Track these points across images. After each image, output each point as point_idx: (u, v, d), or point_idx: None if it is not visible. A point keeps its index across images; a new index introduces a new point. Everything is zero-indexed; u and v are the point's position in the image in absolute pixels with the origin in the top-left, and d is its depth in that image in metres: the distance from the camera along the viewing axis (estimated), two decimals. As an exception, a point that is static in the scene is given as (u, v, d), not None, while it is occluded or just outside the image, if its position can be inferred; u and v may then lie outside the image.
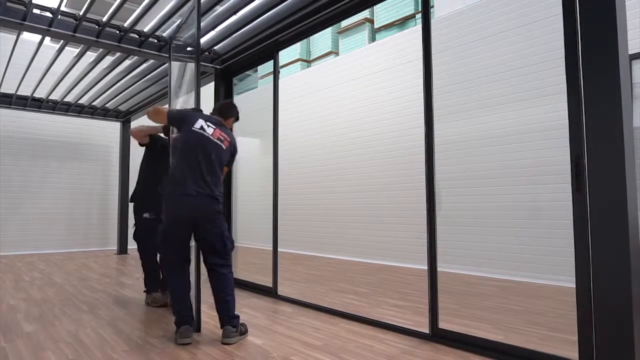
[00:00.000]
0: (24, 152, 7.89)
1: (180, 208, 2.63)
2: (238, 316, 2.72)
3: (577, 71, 2.04)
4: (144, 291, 3.82)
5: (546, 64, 4.63)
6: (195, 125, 2.74)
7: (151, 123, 3.27)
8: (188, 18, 3.42)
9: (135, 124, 8.30)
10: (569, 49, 2.09)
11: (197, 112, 2.92)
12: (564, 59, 2.10)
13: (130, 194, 4.74)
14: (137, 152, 8.73)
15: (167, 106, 3.07)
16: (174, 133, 3.28)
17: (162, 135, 3.82)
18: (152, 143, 3.80)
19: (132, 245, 8.29)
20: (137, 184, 3.84)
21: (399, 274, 5.43)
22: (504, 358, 2.28)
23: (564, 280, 4.27)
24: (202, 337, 2.74)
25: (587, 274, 1.97)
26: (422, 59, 2.85)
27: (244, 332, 2.74)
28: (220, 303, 2.69)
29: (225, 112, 3.03)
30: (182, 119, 2.82)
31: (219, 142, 2.77)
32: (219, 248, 2.70)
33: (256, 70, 9.91)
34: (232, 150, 2.92)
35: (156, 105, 3.03)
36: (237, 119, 3.14)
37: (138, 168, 3.94)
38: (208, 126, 2.77)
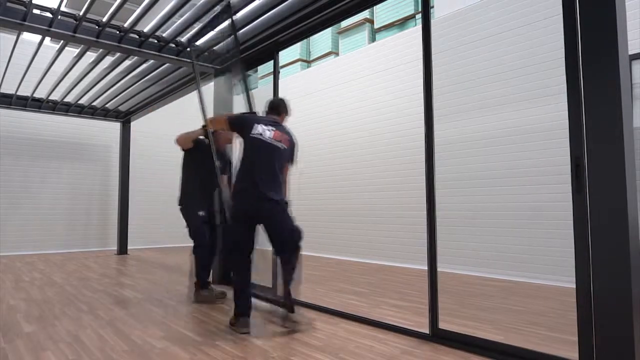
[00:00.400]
0: (24, 152, 7.89)
1: (244, 210, 2.87)
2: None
3: (577, 71, 2.04)
4: (197, 288, 3.86)
5: (546, 64, 4.63)
6: (253, 132, 2.87)
7: (186, 130, 3.68)
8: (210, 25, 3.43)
9: (135, 124, 8.31)
10: (569, 49, 2.09)
11: (253, 115, 3.07)
12: (564, 59, 2.10)
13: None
14: (137, 152, 8.75)
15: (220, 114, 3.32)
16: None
17: (202, 137, 4.01)
18: (194, 147, 4.02)
19: (132, 245, 8.31)
20: (183, 186, 4.08)
21: (398, 274, 5.42)
22: (504, 358, 2.28)
23: (564, 281, 4.27)
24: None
25: (587, 274, 1.97)
26: (422, 59, 2.86)
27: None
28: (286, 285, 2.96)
29: (280, 109, 3.13)
30: (242, 125, 2.96)
31: (279, 143, 2.92)
32: (288, 238, 2.91)
33: (256, 70, 9.91)
34: (292, 146, 3.05)
35: (214, 116, 3.31)
36: (288, 113, 3.24)
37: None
38: (268, 130, 2.90)
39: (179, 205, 4.00)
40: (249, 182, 2.83)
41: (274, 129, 2.94)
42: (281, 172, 2.94)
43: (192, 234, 3.87)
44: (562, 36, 2.12)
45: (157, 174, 9.36)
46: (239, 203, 2.88)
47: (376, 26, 7.23)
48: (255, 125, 2.90)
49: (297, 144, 3.13)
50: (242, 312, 2.86)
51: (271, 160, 2.87)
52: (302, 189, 7.86)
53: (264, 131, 2.89)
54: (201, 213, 3.89)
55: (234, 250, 2.92)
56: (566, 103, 2.10)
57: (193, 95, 6.89)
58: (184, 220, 3.95)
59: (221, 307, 3.60)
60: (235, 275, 2.93)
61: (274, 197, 2.84)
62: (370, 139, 6.70)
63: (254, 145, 2.86)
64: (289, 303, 2.95)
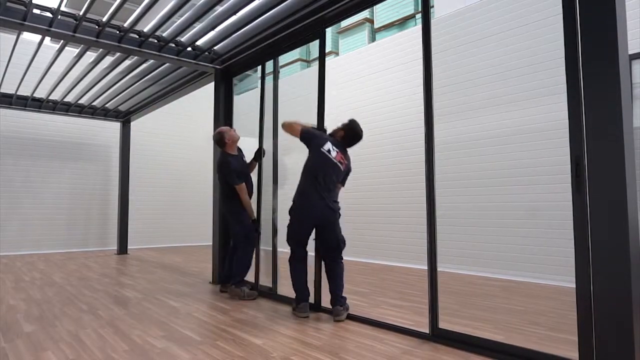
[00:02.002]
0: (24, 152, 7.89)
1: (306, 214, 3.27)
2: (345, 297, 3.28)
3: (577, 71, 2.04)
4: (235, 285, 3.97)
5: (545, 64, 4.63)
6: (324, 147, 3.26)
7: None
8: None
9: (135, 124, 8.31)
10: (569, 49, 2.09)
11: (322, 133, 3.42)
12: (564, 58, 2.10)
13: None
14: (137, 152, 8.75)
15: (299, 121, 3.48)
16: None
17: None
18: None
19: (132, 245, 8.32)
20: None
21: (399, 274, 5.43)
22: (504, 358, 2.28)
23: (564, 280, 4.28)
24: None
25: (587, 274, 1.97)
26: (422, 59, 2.86)
27: (348, 308, 3.27)
28: (334, 285, 3.27)
29: (352, 142, 3.43)
30: (312, 139, 3.33)
31: (339, 164, 3.30)
32: (335, 245, 3.32)
33: (256, 70, 9.91)
34: (347, 170, 3.44)
35: (291, 121, 3.49)
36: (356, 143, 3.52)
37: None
38: (334, 149, 3.28)
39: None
40: (315, 191, 3.22)
41: (338, 150, 3.31)
42: (335, 186, 3.34)
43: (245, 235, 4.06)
44: (562, 36, 2.12)
45: (157, 174, 9.36)
46: (307, 208, 3.25)
47: (376, 26, 7.23)
48: (327, 142, 3.28)
49: (351, 171, 3.51)
50: (302, 298, 3.30)
51: (332, 175, 3.27)
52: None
53: (332, 150, 3.27)
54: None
55: (298, 246, 3.33)
56: (566, 103, 2.10)
57: (193, 95, 6.90)
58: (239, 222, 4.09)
59: (221, 307, 3.60)
60: (296, 267, 3.33)
61: (334, 207, 3.29)
62: (369, 139, 6.68)
63: (321, 159, 3.25)
64: (339, 304, 3.20)
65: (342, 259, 3.38)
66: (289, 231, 3.36)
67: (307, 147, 3.36)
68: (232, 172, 3.98)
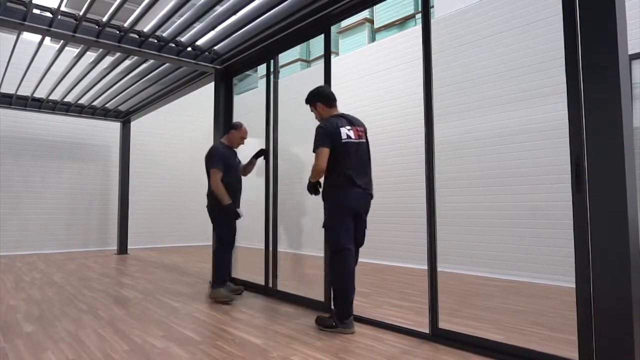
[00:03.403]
0: (24, 152, 7.89)
1: (351, 208, 2.92)
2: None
3: (577, 71, 2.04)
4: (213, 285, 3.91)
5: (545, 64, 4.63)
6: (343, 138, 2.89)
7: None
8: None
9: (135, 124, 8.31)
10: (569, 49, 2.09)
11: (332, 121, 2.94)
12: (564, 58, 2.10)
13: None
14: (137, 152, 8.76)
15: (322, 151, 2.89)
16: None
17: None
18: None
19: (132, 245, 8.32)
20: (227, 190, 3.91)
21: (399, 274, 5.43)
22: (504, 358, 2.28)
23: (565, 280, 4.27)
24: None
25: (587, 274, 1.97)
26: (421, 59, 2.85)
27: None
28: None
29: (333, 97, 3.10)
30: (332, 139, 2.89)
31: (360, 140, 2.97)
32: (363, 235, 3.09)
33: (256, 70, 9.91)
34: (366, 136, 3.08)
35: (313, 170, 2.95)
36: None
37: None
38: (349, 130, 2.93)
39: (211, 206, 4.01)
40: (350, 182, 2.88)
41: (350, 126, 2.97)
42: (369, 164, 3.05)
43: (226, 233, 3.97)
44: (562, 36, 2.12)
45: (157, 174, 9.36)
46: (348, 202, 2.89)
47: (376, 26, 7.23)
48: (341, 129, 2.91)
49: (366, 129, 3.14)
50: (349, 313, 2.86)
51: (362, 156, 2.97)
52: (302, 189, 7.84)
53: (349, 132, 2.93)
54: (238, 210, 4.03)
55: (345, 248, 2.90)
56: (565, 103, 2.10)
57: (193, 95, 6.90)
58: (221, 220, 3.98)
59: (221, 307, 3.60)
60: (343, 273, 2.87)
61: (372, 191, 3.03)
62: (369, 139, 6.69)
63: (347, 150, 2.90)
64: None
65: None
66: (329, 233, 2.99)
67: (334, 147, 2.90)
68: (215, 156, 3.87)
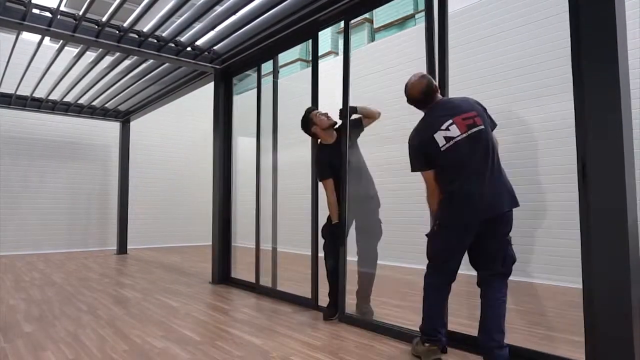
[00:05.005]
0: (24, 152, 7.89)
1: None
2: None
3: (581, 72, 2.03)
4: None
5: (545, 64, 4.62)
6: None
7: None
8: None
9: (135, 124, 8.30)
10: (575, 49, 2.06)
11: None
12: (569, 58, 2.08)
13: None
14: (136, 152, 8.75)
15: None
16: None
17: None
18: None
19: (131, 245, 8.31)
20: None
21: (399, 274, 5.43)
22: (503, 358, 2.27)
23: (564, 281, 4.28)
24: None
25: (592, 275, 1.95)
26: (421, 59, 2.86)
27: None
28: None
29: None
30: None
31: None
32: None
33: (256, 70, 9.90)
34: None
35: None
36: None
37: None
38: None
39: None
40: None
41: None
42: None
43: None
44: (561, 36, 2.11)
45: (157, 174, 9.36)
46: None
47: (375, 26, 7.23)
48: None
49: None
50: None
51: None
52: (302, 189, 7.84)
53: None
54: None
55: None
56: (565, 103, 2.09)
57: (193, 95, 6.89)
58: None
59: (221, 307, 3.60)
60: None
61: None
62: (369, 139, 6.69)
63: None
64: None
65: None
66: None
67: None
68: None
